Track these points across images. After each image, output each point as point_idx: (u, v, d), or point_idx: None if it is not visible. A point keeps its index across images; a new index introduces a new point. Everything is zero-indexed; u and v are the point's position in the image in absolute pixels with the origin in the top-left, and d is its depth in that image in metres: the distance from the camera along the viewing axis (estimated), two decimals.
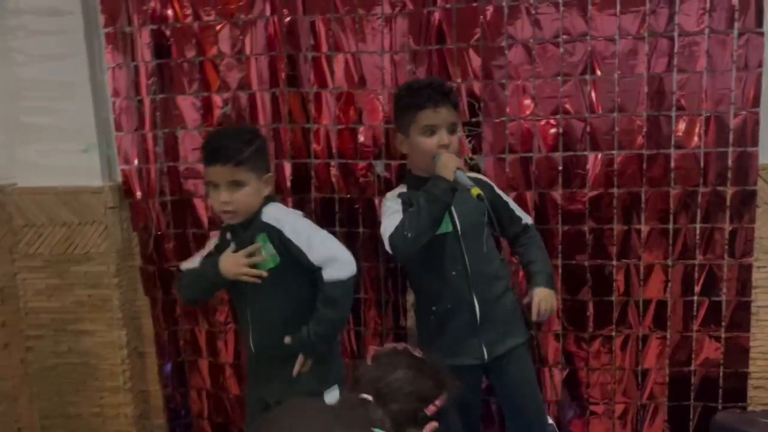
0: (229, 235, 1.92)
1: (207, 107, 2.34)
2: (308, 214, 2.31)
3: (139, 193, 2.42)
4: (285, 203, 2.30)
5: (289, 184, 2.32)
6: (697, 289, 2.22)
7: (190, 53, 2.31)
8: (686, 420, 2.29)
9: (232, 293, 2.08)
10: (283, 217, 1.88)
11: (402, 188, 2.04)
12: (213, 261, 1.90)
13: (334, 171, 2.32)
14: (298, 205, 2.32)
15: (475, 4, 2.16)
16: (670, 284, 2.23)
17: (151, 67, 2.35)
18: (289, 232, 1.83)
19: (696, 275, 2.21)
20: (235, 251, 1.88)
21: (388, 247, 1.88)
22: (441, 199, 1.83)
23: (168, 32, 2.32)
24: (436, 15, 2.18)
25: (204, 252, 1.99)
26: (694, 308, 2.23)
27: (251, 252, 1.85)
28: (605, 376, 2.31)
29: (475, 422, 2.10)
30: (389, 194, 2.04)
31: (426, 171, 1.94)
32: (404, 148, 2.00)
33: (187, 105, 2.35)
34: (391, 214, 1.93)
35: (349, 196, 2.33)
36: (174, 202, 2.42)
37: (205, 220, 2.40)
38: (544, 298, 1.95)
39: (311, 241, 1.83)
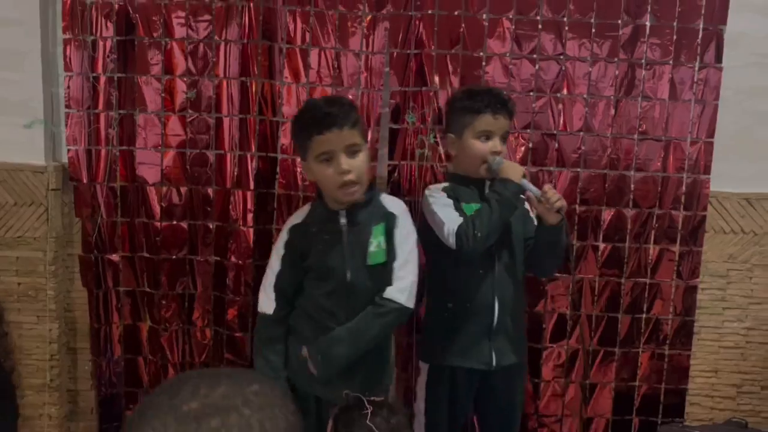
0: (343, 220, 1.74)
1: (170, 91, 2.23)
2: (271, 210, 2.26)
3: (85, 177, 2.25)
4: (246, 197, 2.22)
5: (252, 177, 2.23)
6: (645, 307, 2.31)
7: (157, 33, 2.20)
8: None
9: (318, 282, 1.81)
10: (403, 213, 1.79)
11: (444, 183, 2.00)
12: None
13: (300, 168, 2.26)
14: (261, 201, 2.24)
15: (456, 13, 2.18)
16: (621, 301, 2.31)
17: (112, 43, 2.21)
18: (400, 235, 1.75)
19: (645, 294, 2.31)
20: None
21: (452, 242, 1.80)
22: (511, 202, 1.82)
23: (132, 9, 2.19)
24: (418, 20, 2.18)
25: (280, 252, 1.81)
26: (642, 325, 2.32)
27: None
28: (556, 389, 2.35)
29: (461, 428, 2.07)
30: (433, 187, 1.99)
31: (473, 173, 1.92)
32: (454, 149, 1.96)
33: (149, 87, 2.23)
34: (441, 205, 1.89)
35: (313, 194, 2.27)
36: (124, 188, 2.28)
37: (157, 210, 2.27)
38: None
39: (409, 257, 1.74)
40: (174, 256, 2.28)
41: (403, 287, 1.73)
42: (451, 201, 1.91)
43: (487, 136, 1.89)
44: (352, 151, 1.69)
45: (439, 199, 1.92)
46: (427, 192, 1.96)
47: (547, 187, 1.84)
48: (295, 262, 1.80)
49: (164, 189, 2.26)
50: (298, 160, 2.23)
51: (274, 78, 2.21)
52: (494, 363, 1.91)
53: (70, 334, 2.37)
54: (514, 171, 1.84)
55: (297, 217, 1.85)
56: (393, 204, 1.82)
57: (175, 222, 2.27)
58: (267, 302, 1.83)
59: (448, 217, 1.85)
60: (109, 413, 2.37)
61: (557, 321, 2.31)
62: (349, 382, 1.70)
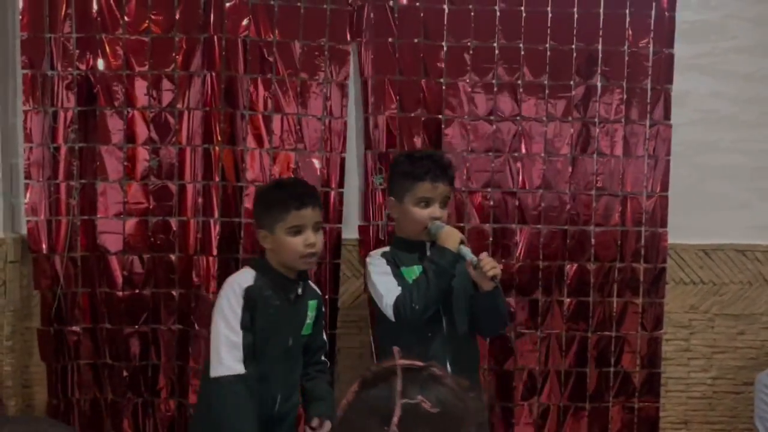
0: (300, 290, 1.89)
1: (132, 159, 2.23)
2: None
3: (45, 247, 2.22)
4: (209, 263, 2.20)
5: (215, 243, 2.22)
6: (612, 360, 2.33)
7: (118, 102, 2.21)
8: None
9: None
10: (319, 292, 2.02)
11: (385, 248, 2.02)
12: None
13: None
14: (225, 266, 2.22)
15: (414, 78, 2.24)
16: (588, 355, 2.32)
17: (73, 114, 2.21)
18: (322, 307, 2.00)
19: (612, 347, 2.32)
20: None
21: (390, 314, 1.84)
22: (448, 272, 1.84)
23: (94, 79, 2.21)
24: (377, 85, 2.24)
25: (238, 315, 1.80)
26: (611, 379, 2.33)
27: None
28: None
29: None
30: (373, 253, 2.01)
31: (414, 237, 1.95)
32: (395, 213, 1.99)
33: (111, 156, 2.22)
34: (379, 273, 1.91)
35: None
36: (84, 258, 2.24)
37: (120, 279, 2.23)
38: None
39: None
40: (137, 326, 2.23)
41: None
42: (389, 268, 1.93)
43: (427, 202, 1.92)
44: (317, 227, 1.87)
45: (377, 267, 1.95)
46: (367, 259, 1.99)
47: (483, 255, 1.85)
48: (249, 326, 1.82)
49: (126, 257, 2.23)
50: None
51: (237, 144, 2.23)
52: None
53: (28, 411, 2.27)
54: (451, 238, 1.86)
55: (246, 279, 1.86)
56: (315, 287, 2.01)
57: (137, 291, 2.23)
58: (235, 362, 1.77)
59: (385, 289, 1.88)
60: None
61: (527, 378, 2.31)
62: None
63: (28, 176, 2.21)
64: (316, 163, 2.25)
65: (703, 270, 2.34)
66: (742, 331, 2.36)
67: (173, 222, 2.24)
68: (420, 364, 0.91)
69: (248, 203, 2.24)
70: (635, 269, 2.30)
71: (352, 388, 0.90)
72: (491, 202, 2.28)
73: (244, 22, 2.19)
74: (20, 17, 2.17)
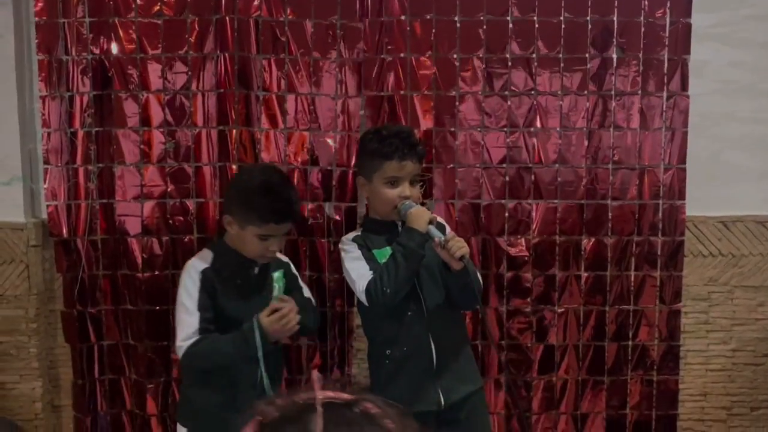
0: (257, 268, 1.90)
1: (148, 143, 2.24)
2: None
3: (65, 231, 2.25)
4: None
5: None
6: (630, 334, 2.33)
7: (133, 86, 2.22)
8: None
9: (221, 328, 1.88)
10: (287, 260, 2.02)
11: (357, 231, 2.03)
12: (249, 329, 1.79)
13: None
14: None
15: (428, 55, 2.23)
16: (606, 329, 2.32)
17: (88, 98, 2.23)
18: (294, 272, 2.00)
19: (630, 320, 2.32)
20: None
21: (363, 299, 1.86)
22: (417, 253, 1.83)
23: (109, 63, 2.22)
24: (391, 62, 2.23)
25: (194, 296, 1.84)
26: (629, 353, 2.33)
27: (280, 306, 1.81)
28: (547, 421, 2.34)
29: None
30: (344, 238, 2.02)
31: (385, 217, 1.94)
32: (365, 192, 1.99)
33: (127, 140, 2.24)
34: (352, 259, 1.91)
35: (295, 237, 2.28)
36: (105, 241, 2.27)
37: (139, 261, 2.26)
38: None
39: (307, 290, 2.03)
40: (158, 307, 2.26)
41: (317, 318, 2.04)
42: (360, 253, 1.93)
43: (395, 181, 1.89)
44: (284, 238, 1.91)
45: (349, 253, 1.95)
46: (340, 245, 2.00)
47: (450, 234, 1.84)
48: (209, 305, 1.85)
49: (145, 240, 2.26)
50: None
51: (252, 125, 2.24)
52: (443, 402, 1.89)
53: (54, 392, 2.33)
54: (419, 219, 1.83)
55: (203, 261, 1.89)
56: (281, 255, 1.99)
57: (157, 272, 2.26)
58: (190, 341, 1.82)
59: (357, 274, 1.88)
60: None
61: (544, 352, 2.32)
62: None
63: (46, 161, 2.23)
64: (330, 142, 2.25)
65: (721, 242, 2.32)
66: (762, 303, 2.34)
67: (191, 203, 2.26)
68: (348, 397, 0.67)
69: None
70: (653, 242, 2.29)
71: None
72: (507, 178, 2.27)
73: (256, 2, 2.19)
74: (34, 3, 2.18)
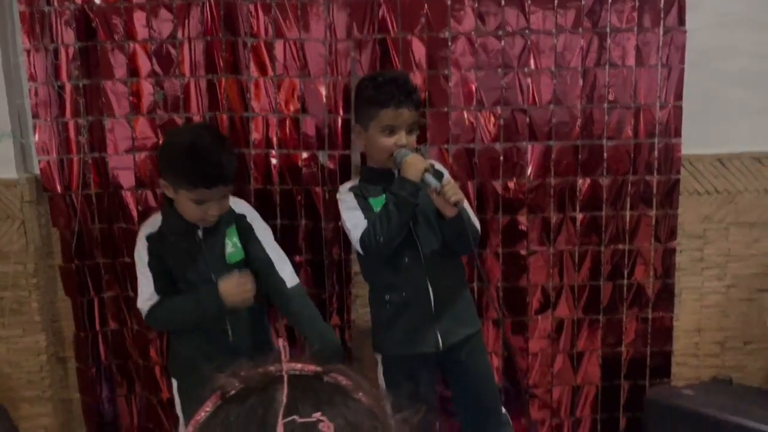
0: (200, 232, 1.87)
1: (137, 94, 2.21)
2: None
3: (59, 186, 2.24)
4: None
5: None
6: (625, 272, 2.34)
7: (118, 36, 2.17)
8: (617, 398, 2.41)
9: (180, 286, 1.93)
10: (251, 213, 1.94)
11: (354, 181, 2.02)
12: (207, 293, 1.82)
13: (274, 161, 2.25)
14: (236, 196, 2.23)
15: None
16: (602, 269, 2.33)
17: (74, 50, 2.19)
18: (259, 231, 1.90)
19: (625, 260, 2.33)
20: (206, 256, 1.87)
21: (358, 248, 1.88)
22: (409, 202, 1.82)
23: (92, 13, 2.17)
24: (380, 4, 2.17)
25: (145, 260, 1.87)
26: (624, 291, 2.35)
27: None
28: (542, 361, 2.39)
29: (431, 418, 2.09)
30: (342, 188, 2.02)
31: (382, 165, 1.93)
32: (361, 140, 1.97)
33: (115, 92, 2.21)
34: (348, 209, 1.92)
35: (289, 187, 2.27)
36: (99, 195, 2.27)
37: (135, 214, 2.26)
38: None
39: (277, 250, 1.93)
40: None
41: (288, 272, 1.92)
42: (356, 203, 1.93)
43: (391, 130, 1.88)
44: (225, 199, 1.83)
45: (346, 203, 1.95)
46: (337, 194, 1.99)
47: (446, 180, 1.83)
48: (160, 268, 1.87)
49: (140, 192, 2.25)
50: (272, 152, 2.24)
51: (241, 73, 2.20)
52: (441, 344, 1.93)
53: (58, 344, 2.37)
54: (414, 167, 1.82)
55: (151, 226, 1.91)
56: (238, 205, 1.94)
57: None
58: (145, 301, 1.88)
59: (353, 224, 1.89)
60: (99, 420, 2.38)
61: (540, 293, 2.34)
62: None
63: (35, 116, 2.21)
64: (322, 90, 2.22)
65: (717, 179, 2.31)
66: (757, 239, 2.34)
67: None
68: (316, 368, 0.63)
69: (255, 134, 2.23)
70: (648, 182, 2.28)
71: (205, 406, 0.61)
72: (501, 121, 2.24)
73: None
74: None
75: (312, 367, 0.61)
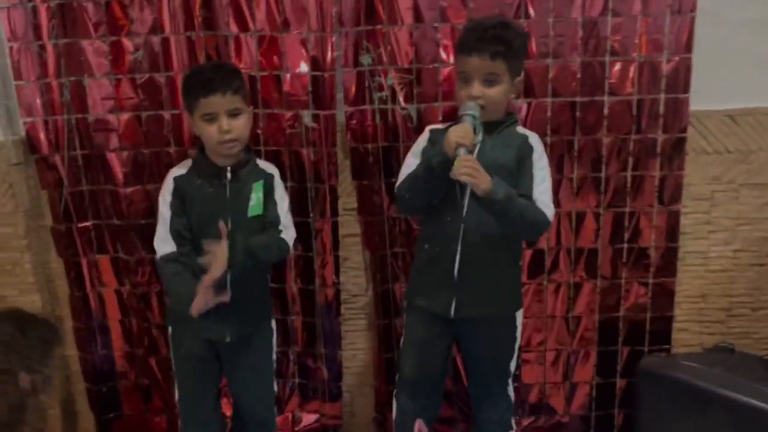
0: (229, 175, 1.89)
1: (116, 53, 2.15)
2: None
3: (45, 148, 2.22)
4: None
5: None
6: (626, 236, 2.23)
7: None
8: (614, 363, 2.34)
9: (198, 235, 1.90)
10: (278, 179, 1.98)
11: (447, 124, 1.89)
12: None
13: (257, 122, 2.19)
14: None
15: None
16: (600, 232, 2.23)
17: (52, 7, 2.13)
18: (278, 194, 1.95)
19: (626, 222, 2.22)
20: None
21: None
22: (434, 171, 1.73)
23: None
24: None
25: (168, 200, 1.89)
26: (624, 255, 2.25)
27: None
28: (538, 324, 2.32)
29: (438, 384, 2.03)
30: (427, 128, 1.95)
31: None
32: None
33: (94, 50, 2.15)
34: (411, 154, 1.91)
35: (274, 148, 2.21)
36: (85, 156, 2.24)
37: (120, 176, 2.23)
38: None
39: (287, 218, 1.96)
40: (143, 221, 2.26)
41: (290, 236, 1.95)
42: (422, 148, 1.88)
43: (465, 78, 1.76)
44: (233, 114, 1.84)
45: (415, 146, 1.91)
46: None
47: (461, 152, 1.65)
48: (181, 210, 1.90)
49: (124, 154, 2.22)
50: (260, 114, 2.17)
51: (219, 29, 2.11)
52: (452, 312, 1.86)
53: (55, 303, 2.40)
54: (452, 136, 1.67)
55: (180, 169, 1.95)
56: (269, 166, 1.99)
57: (139, 186, 2.24)
58: (164, 245, 1.90)
59: (402, 170, 1.87)
60: (97, 377, 2.43)
61: (536, 256, 2.26)
62: (234, 320, 1.90)
63: (17, 76, 2.18)
64: (306, 45, 2.12)
65: (728, 138, 2.15)
66: None
67: (166, 115, 2.19)
68: None
69: None
70: (651, 140, 2.14)
71: None
72: None
73: None
74: None
75: None
